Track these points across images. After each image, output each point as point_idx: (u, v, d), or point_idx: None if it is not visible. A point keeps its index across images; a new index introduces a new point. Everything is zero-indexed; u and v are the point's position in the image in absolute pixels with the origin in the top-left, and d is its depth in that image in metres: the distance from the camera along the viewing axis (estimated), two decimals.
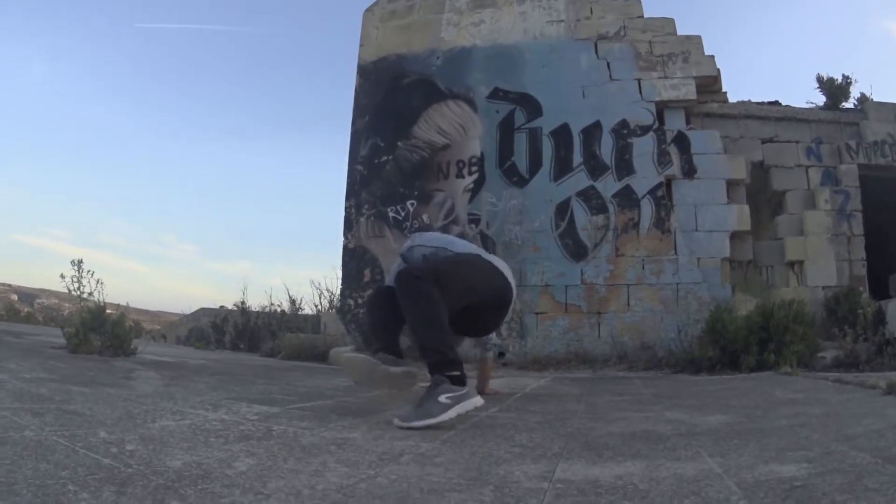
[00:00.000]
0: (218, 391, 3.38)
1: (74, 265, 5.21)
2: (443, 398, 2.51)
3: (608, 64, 8.40)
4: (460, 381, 2.66)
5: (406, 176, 8.66)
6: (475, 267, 3.36)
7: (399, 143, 8.78)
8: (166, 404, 2.67)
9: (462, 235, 7.91)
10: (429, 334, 2.78)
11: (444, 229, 8.17)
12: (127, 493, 1.28)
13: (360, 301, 8.46)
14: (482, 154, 8.43)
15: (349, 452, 1.84)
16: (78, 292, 5.22)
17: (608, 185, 7.99)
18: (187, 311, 14.74)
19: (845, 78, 9.38)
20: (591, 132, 8.19)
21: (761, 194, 8.65)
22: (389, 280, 3.43)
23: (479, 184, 8.34)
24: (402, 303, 2.88)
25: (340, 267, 8.88)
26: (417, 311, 2.81)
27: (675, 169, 7.90)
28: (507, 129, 8.48)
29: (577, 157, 8.15)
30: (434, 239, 3.69)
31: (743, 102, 9.04)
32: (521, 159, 8.29)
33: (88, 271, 5.27)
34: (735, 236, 7.76)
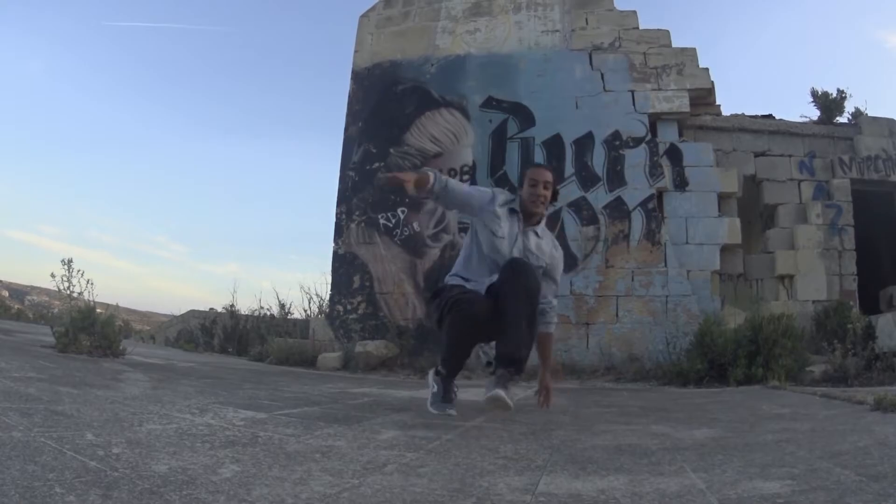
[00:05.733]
0: (205, 395, 3.36)
1: (65, 264, 5.20)
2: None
3: (602, 75, 8.45)
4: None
5: None
6: None
7: (391, 150, 8.80)
8: (153, 407, 2.66)
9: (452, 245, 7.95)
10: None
11: (434, 237, 8.20)
12: (113, 497, 1.28)
13: (348, 307, 8.45)
14: (474, 163, 8.45)
15: (334, 461, 1.84)
16: (68, 291, 5.21)
17: (599, 197, 8.02)
18: (177, 312, 14.66)
19: (840, 92, 9.45)
20: (584, 143, 8.22)
21: (753, 208, 8.70)
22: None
23: None
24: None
25: (330, 272, 8.88)
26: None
27: (666, 181, 7.93)
28: (499, 139, 8.51)
29: (569, 168, 8.18)
30: None
31: (736, 115, 9.09)
32: (512, 169, 8.30)
33: (79, 270, 5.27)
34: (725, 249, 7.80)
